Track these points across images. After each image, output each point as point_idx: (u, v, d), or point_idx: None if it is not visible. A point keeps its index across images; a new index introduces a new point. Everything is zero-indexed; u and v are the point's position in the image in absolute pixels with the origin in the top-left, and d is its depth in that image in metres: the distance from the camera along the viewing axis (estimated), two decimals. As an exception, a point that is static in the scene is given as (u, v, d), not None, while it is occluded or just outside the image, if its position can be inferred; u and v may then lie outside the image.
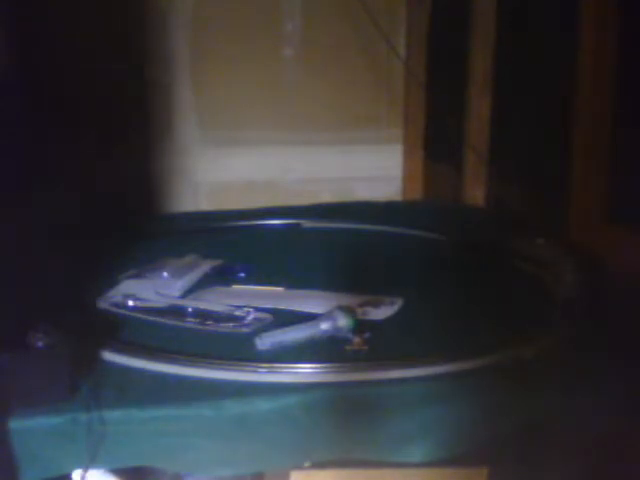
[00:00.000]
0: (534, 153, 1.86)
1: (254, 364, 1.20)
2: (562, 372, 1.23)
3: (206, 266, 1.64)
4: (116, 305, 1.45)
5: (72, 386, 1.12)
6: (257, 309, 1.40)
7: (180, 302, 1.47)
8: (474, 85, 2.06)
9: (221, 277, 1.61)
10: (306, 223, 2.02)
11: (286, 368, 1.20)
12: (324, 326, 1.28)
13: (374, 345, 1.26)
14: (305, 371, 1.19)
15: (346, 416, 1.16)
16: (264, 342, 1.26)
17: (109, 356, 1.24)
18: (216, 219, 2.08)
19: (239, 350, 1.26)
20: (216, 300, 1.47)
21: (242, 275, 1.62)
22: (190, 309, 1.43)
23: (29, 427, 1.08)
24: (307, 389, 1.16)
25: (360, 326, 1.29)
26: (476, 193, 2.11)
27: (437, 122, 2.35)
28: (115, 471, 1.20)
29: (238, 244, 1.88)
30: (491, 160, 2.05)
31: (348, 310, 1.31)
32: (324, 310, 1.33)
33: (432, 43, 2.32)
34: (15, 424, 1.08)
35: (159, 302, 1.46)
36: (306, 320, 1.32)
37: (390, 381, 1.17)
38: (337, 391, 1.17)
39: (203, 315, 1.40)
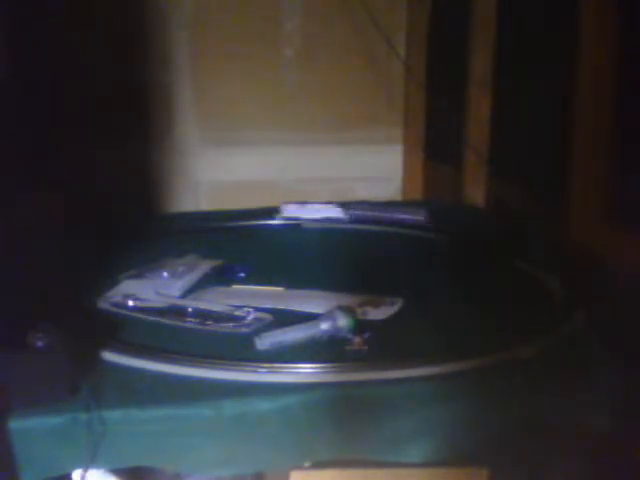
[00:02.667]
0: (534, 153, 1.86)
1: (254, 364, 1.20)
2: (562, 372, 1.23)
3: (206, 266, 1.64)
4: (116, 305, 1.45)
5: (72, 386, 1.12)
6: (257, 309, 1.40)
7: (180, 302, 1.47)
8: (474, 85, 2.06)
9: (221, 277, 1.61)
10: (306, 223, 2.02)
11: (286, 368, 1.20)
12: (324, 326, 1.28)
13: (374, 345, 1.26)
14: (305, 371, 1.19)
15: (346, 416, 1.16)
16: (264, 342, 1.26)
17: (109, 356, 1.24)
18: (216, 219, 2.08)
19: (239, 350, 1.26)
20: (216, 300, 1.47)
21: (242, 275, 1.62)
22: (190, 309, 1.43)
23: (29, 427, 1.08)
24: (307, 389, 1.16)
25: (360, 326, 1.29)
26: (476, 193, 2.11)
27: (437, 122, 2.35)
28: (115, 471, 1.21)
29: (238, 244, 1.88)
30: (491, 160, 2.05)
31: (348, 310, 1.31)
32: (324, 310, 1.33)
33: (432, 43, 2.32)
34: (15, 424, 1.08)
35: (159, 302, 1.46)
36: (306, 320, 1.32)
37: (390, 381, 1.17)
38: (337, 391, 1.16)
39: (203, 315, 1.40)
